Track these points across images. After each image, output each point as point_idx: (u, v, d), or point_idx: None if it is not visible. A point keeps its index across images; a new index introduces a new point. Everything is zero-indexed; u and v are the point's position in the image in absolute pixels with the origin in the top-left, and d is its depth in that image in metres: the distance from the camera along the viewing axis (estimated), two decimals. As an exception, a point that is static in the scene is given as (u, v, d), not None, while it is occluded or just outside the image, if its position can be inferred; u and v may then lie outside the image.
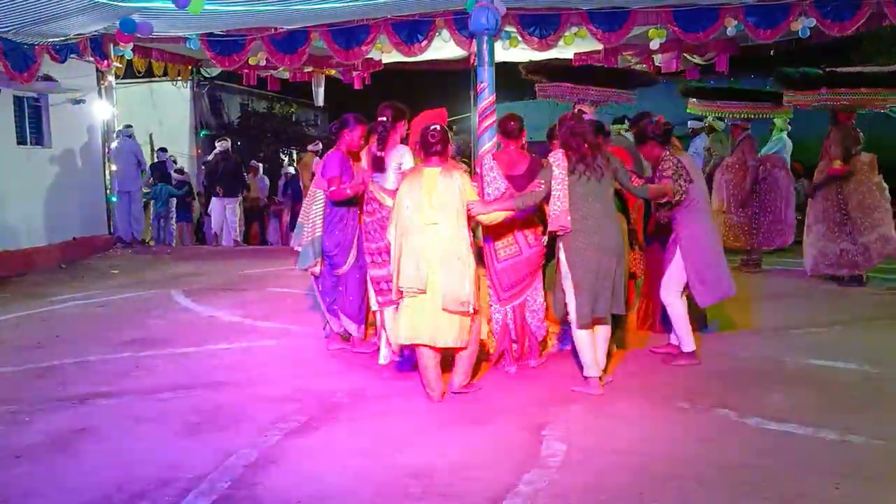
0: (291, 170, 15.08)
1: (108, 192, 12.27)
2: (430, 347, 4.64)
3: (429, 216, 4.55)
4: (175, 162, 14.59)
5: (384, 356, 5.40)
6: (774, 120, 10.01)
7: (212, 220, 13.53)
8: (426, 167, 4.66)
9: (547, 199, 4.76)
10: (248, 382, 5.24)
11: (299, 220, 5.91)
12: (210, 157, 14.02)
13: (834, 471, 3.64)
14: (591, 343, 4.82)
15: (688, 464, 3.74)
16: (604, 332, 4.96)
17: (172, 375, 5.45)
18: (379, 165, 5.22)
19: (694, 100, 9.10)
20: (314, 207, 5.69)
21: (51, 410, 4.73)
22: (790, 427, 4.19)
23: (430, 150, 4.65)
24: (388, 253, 5.14)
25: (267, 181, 15.63)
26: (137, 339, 6.50)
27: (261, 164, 16.02)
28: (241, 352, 6.08)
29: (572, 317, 4.79)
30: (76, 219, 11.45)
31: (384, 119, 5.19)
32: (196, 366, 5.69)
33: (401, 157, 5.23)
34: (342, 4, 8.98)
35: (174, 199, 13.61)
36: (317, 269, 5.72)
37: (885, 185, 8.03)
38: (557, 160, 4.76)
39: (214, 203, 13.33)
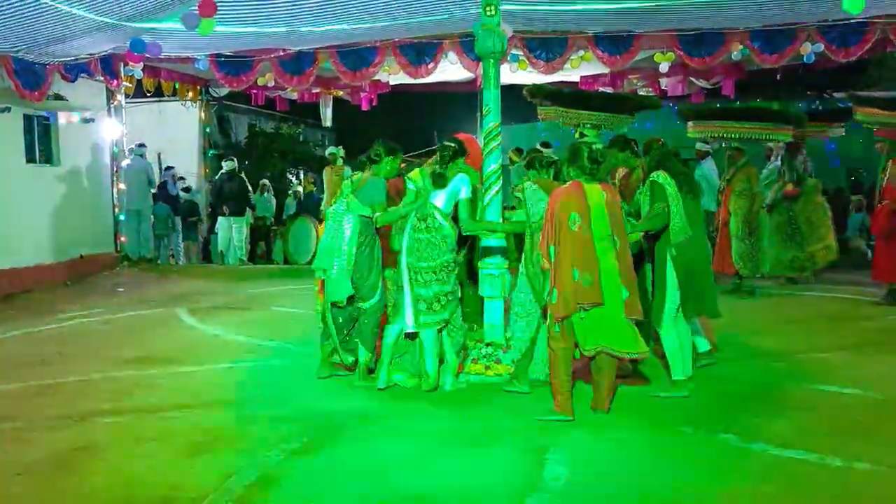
0: (300, 189, 15.13)
1: (115, 210, 12.34)
2: (611, 356, 4.67)
3: (603, 230, 4.62)
4: (184, 179, 14.65)
5: (384, 381, 5.37)
6: (769, 144, 10.01)
7: (218, 238, 13.58)
8: (587, 184, 4.72)
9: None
10: (250, 402, 5.23)
11: (326, 241, 5.49)
12: (216, 177, 14.10)
13: (839, 497, 3.61)
14: (681, 346, 5.11)
15: (690, 489, 3.70)
16: (687, 334, 5.23)
17: (175, 394, 5.45)
18: (441, 182, 5.31)
19: (692, 122, 9.09)
20: (345, 233, 5.37)
21: (53, 428, 4.73)
22: (794, 453, 4.15)
23: (588, 168, 4.75)
24: (435, 273, 5.23)
25: (274, 201, 15.70)
26: (141, 357, 6.50)
27: (271, 184, 16.09)
28: (245, 371, 6.07)
29: (669, 316, 5.07)
30: (83, 236, 11.51)
31: (452, 145, 5.45)
32: (199, 384, 5.69)
33: (462, 183, 5.33)
34: (351, 26, 9.06)
35: (177, 218, 13.66)
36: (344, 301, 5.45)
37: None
38: (668, 180, 5.06)
39: (221, 222, 13.39)
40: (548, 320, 4.81)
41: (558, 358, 4.68)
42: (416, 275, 5.27)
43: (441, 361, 5.45)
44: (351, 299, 5.46)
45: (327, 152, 12.88)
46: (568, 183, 4.81)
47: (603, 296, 4.56)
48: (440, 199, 5.32)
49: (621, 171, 6.43)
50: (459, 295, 5.48)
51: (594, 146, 5.11)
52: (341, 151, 12.12)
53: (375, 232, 5.51)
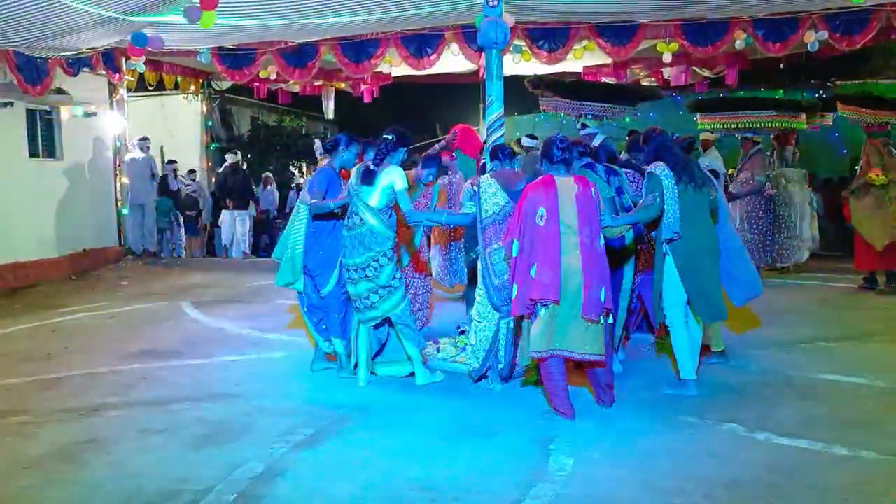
0: (303, 181, 15.08)
1: (118, 204, 12.35)
2: (568, 360, 4.54)
3: (570, 225, 4.47)
4: (194, 171, 14.62)
5: (363, 378, 5.38)
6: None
7: (222, 232, 13.59)
8: (558, 177, 4.60)
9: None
10: (255, 395, 5.24)
11: (284, 231, 5.75)
12: (220, 170, 14.09)
13: (844, 487, 3.61)
14: (691, 345, 5.01)
15: (696, 479, 3.71)
16: (698, 333, 5.13)
17: (180, 387, 5.46)
18: (368, 179, 5.18)
19: (702, 114, 9.09)
20: (296, 222, 5.52)
21: (59, 422, 4.74)
22: (800, 442, 4.16)
23: (555, 159, 4.62)
24: (364, 269, 5.14)
25: (277, 194, 15.70)
26: (146, 350, 6.52)
27: (273, 177, 16.07)
28: (250, 364, 6.09)
29: (677, 312, 4.97)
30: (87, 230, 11.52)
31: (389, 137, 5.24)
32: (204, 378, 5.71)
33: (393, 176, 5.15)
34: (352, 18, 9.03)
35: (177, 211, 13.64)
36: (299, 286, 5.57)
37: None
38: (665, 171, 4.91)
39: (224, 215, 13.39)
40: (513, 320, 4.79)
41: (546, 359, 4.57)
42: (347, 272, 5.26)
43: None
44: (313, 286, 5.55)
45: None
46: (539, 177, 4.69)
47: (562, 293, 4.39)
48: (374, 195, 5.18)
49: None
50: (401, 291, 5.31)
51: (569, 135, 5.07)
52: (318, 145, 11.92)
53: (337, 221, 5.46)
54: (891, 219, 8.20)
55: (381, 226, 5.18)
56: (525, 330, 5.00)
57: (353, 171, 5.40)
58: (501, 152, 5.50)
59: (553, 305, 4.42)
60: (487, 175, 5.29)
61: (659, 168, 4.95)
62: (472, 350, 5.26)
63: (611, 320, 4.67)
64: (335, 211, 5.37)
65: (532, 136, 9.53)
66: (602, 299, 4.43)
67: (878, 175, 8.18)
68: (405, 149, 5.36)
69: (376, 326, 5.43)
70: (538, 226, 4.49)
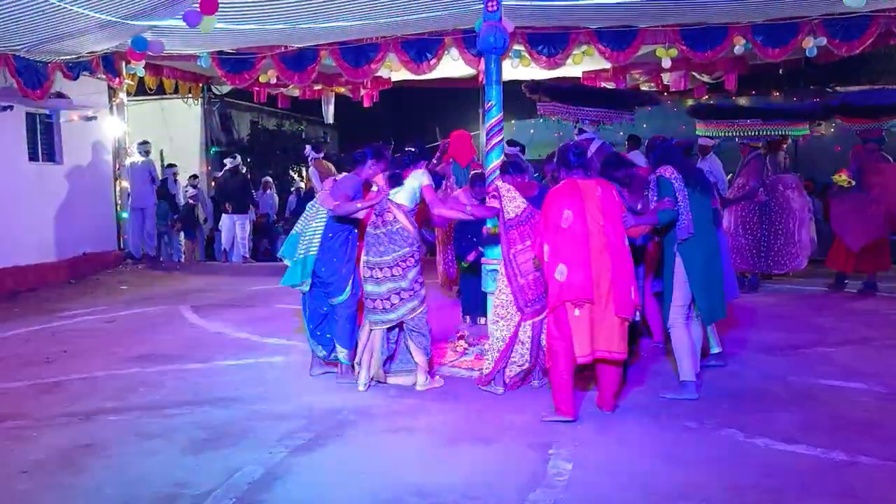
0: (303, 185, 15.08)
1: (118, 208, 12.35)
2: (604, 359, 4.58)
3: (597, 226, 4.54)
4: (196, 177, 14.62)
5: (363, 382, 5.38)
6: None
7: (221, 236, 13.59)
8: (580, 180, 4.69)
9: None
10: (254, 399, 5.24)
11: (294, 230, 5.70)
12: (220, 174, 14.08)
13: (843, 492, 3.61)
14: (691, 346, 5.06)
15: (695, 484, 3.71)
16: (698, 334, 5.22)
17: (179, 391, 5.45)
18: (396, 181, 5.32)
19: (701, 120, 9.09)
20: (313, 224, 5.52)
21: (58, 426, 4.74)
22: (799, 447, 4.16)
23: (573, 164, 4.74)
24: (391, 268, 5.16)
25: (276, 198, 15.70)
26: (145, 354, 6.52)
27: (273, 181, 16.08)
28: (249, 368, 6.09)
29: (679, 314, 5.04)
30: (86, 235, 11.52)
31: (412, 150, 5.44)
32: (203, 382, 5.70)
33: (420, 177, 5.30)
34: (352, 23, 9.05)
35: (175, 215, 13.64)
36: (305, 288, 5.57)
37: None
38: (675, 175, 5.01)
39: (224, 219, 13.39)
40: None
41: (556, 354, 4.61)
42: (372, 271, 5.27)
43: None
44: (324, 294, 5.54)
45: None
46: (561, 182, 4.78)
47: (593, 292, 4.47)
48: (401, 196, 5.30)
49: None
50: (420, 296, 5.31)
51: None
52: (308, 150, 11.85)
53: (353, 228, 5.49)
54: (869, 222, 8.29)
55: (410, 226, 5.29)
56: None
57: (380, 175, 5.46)
58: (512, 167, 5.54)
59: (589, 306, 4.49)
60: (502, 180, 5.34)
61: (668, 171, 5.03)
62: (489, 352, 5.27)
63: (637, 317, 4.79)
64: (357, 215, 5.38)
65: (512, 143, 9.55)
66: (632, 296, 4.54)
67: (840, 175, 8.38)
68: (426, 161, 5.55)
69: (389, 330, 5.42)
70: (564, 228, 4.56)
